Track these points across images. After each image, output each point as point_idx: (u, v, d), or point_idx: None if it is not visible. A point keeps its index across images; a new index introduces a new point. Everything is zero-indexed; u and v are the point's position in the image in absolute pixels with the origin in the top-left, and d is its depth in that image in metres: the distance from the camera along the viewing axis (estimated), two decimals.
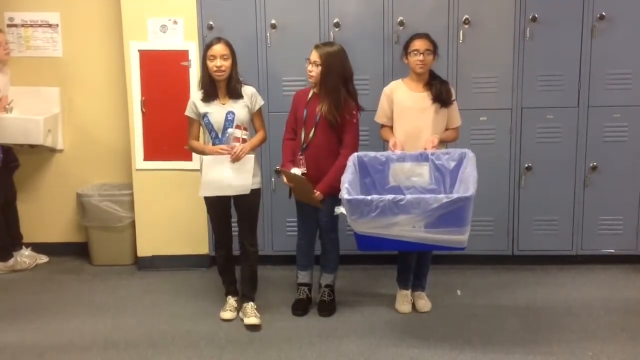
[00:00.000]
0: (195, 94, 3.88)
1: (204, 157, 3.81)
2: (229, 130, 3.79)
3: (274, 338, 3.72)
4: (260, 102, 3.90)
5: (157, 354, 3.56)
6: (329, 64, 3.80)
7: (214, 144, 3.81)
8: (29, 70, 4.95)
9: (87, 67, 4.98)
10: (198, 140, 3.94)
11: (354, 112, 3.91)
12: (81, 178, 5.05)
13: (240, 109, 3.80)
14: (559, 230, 4.64)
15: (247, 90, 3.86)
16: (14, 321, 3.98)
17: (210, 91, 3.79)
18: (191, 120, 3.87)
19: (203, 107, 3.80)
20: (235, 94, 3.81)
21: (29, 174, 5.07)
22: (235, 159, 3.75)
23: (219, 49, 3.73)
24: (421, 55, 3.85)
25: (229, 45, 3.78)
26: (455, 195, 3.32)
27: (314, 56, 3.82)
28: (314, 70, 3.81)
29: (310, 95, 3.92)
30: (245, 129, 3.84)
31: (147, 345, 3.66)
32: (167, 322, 3.95)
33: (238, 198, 3.87)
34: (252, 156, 3.82)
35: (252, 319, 3.83)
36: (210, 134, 3.82)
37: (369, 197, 3.34)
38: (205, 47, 3.80)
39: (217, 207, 3.93)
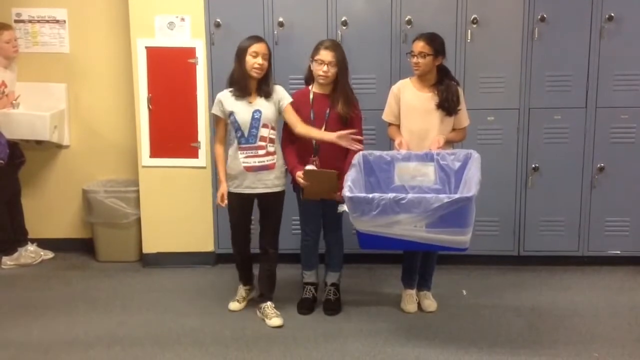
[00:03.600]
0: (223, 92, 3.82)
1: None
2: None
3: (279, 336, 3.71)
4: (286, 99, 3.82)
5: (162, 352, 3.56)
6: (343, 63, 3.82)
7: (239, 143, 3.76)
8: (35, 67, 4.96)
9: (94, 64, 4.99)
10: (223, 142, 3.87)
11: (358, 106, 3.93)
12: (87, 174, 5.06)
13: (267, 108, 3.77)
14: (565, 231, 4.63)
15: (276, 88, 3.85)
16: (19, 317, 3.99)
17: (242, 87, 3.75)
18: (217, 118, 3.83)
19: (230, 105, 3.76)
20: (266, 92, 3.78)
21: (35, 169, 5.08)
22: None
23: (262, 47, 3.72)
24: (414, 58, 3.83)
25: (268, 46, 3.79)
26: (456, 196, 3.30)
27: (328, 57, 3.77)
28: (331, 71, 3.79)
29: (312, 95, 3.91)
30: (273, 128, 3.81)
31: (152, 343, 3.66)
32: (172, 320, 3.95)
33: (263, 198, 3.85)
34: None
35: (274, 320, 3.84)
36: (236, 132, 3.76)
37: (370, 195, 3.32)
38: (244, 45, 3.72)
39: (243, 207, 3.89)
